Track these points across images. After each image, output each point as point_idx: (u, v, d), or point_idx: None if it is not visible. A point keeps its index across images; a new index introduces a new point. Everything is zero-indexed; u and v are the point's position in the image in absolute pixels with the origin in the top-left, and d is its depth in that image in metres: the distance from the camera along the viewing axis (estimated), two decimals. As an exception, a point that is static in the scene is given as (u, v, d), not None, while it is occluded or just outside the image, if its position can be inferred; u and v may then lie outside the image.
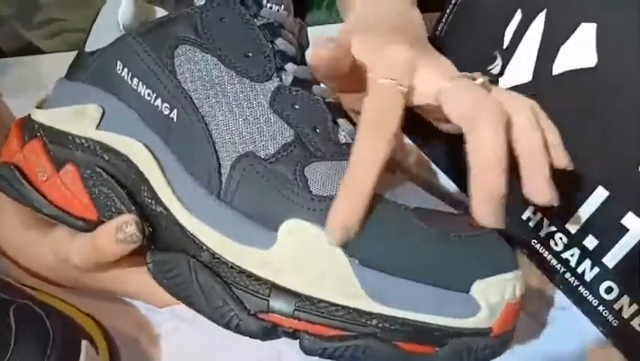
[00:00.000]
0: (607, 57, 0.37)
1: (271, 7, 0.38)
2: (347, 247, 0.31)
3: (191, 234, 0.33)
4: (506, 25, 0.43)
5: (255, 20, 0.37)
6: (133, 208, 0.36)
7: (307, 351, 0.31)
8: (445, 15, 0.49)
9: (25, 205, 0.40)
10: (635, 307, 0.39)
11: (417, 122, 0.40)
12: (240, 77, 0.35)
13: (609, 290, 0.41)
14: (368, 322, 0.30)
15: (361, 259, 0.31)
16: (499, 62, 0.43)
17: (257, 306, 0.31)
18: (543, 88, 0.41)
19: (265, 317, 0.31)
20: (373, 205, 0.32)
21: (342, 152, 0.34)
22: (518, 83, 0.42)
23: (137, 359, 0.40)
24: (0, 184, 0.41)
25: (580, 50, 0.38)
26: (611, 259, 0.40)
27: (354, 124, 0.36)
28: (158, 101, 0.36)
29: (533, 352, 0.41)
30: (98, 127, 0.38)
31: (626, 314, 0.40)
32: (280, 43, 0.36)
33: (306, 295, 0.31)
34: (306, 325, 0.31)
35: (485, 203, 0.32)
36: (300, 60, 0.38)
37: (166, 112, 0.36)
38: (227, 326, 0.31)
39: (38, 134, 0.41)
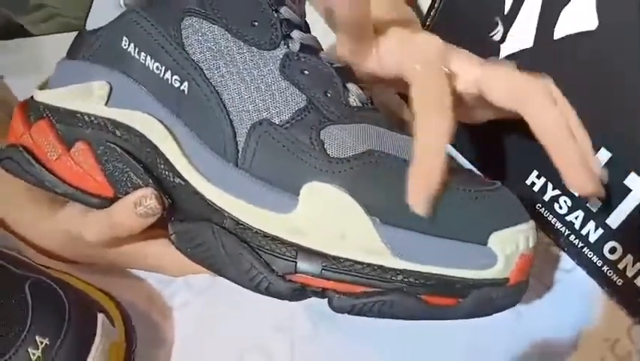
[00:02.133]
0: (607, 20, 0.38)
1: None
2: (367, 206, 0.31)
3: (212, 202, 0.34)
4: None
5: None
6: (150, 182, 0.36)
7: (336, 309, 0.31)
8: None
9: (36, 186, 0.40)
10: (639, 265, 0.41)
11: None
12: (248, 45, 0.36)
13: (613, 250, 0.42)
14: (393, 277, 0.31)
15: (382, 218, 0.31)
16: (500, 28, 0.43)
17: (285, 268, 0.32)
18: (544, 53, 0.41)
19: (293, 278, 0.32)
20: (392, 165, 0.32)
21: (353, 114, 0.35)
22: (519, 49, 0.42)
23: (150, 332, 0.41)
24: (9, 166, 0.41)
25: (580, 14, 0.39)
26: (614, 220, 0.41)
27: (362, 88, 0.37)
28: (168, 74, 0.36)
29: (539, 314, 0.43)
30: (106, 104, 0.38)
31: (630, 273, 0.41)
32: (285, 11, 0.37)
33: (331, 255, 0.31)
34: (334, 284, 0.31)
35: (580, 170, 0.34)
36: (305, 28, 0.39)
37: (176, 85, 0.36)
38: (256, 289, 0.32)
39: (45, 114, 0.41)
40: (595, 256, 0.43)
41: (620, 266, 0.42)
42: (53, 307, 0.34)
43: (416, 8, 0.52)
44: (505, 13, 0.43)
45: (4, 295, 0.35)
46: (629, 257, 0.41)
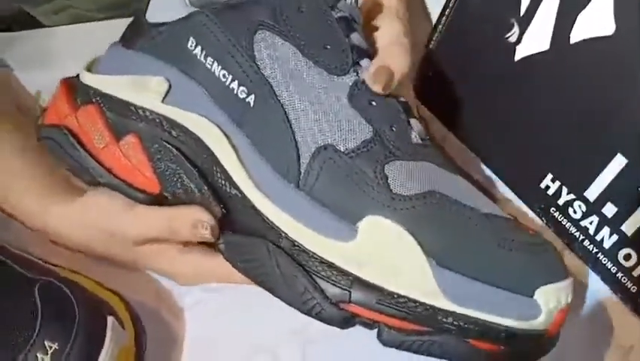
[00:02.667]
0: (625, 25, 0.37)
1: (347, 0, 0.38)
2: (426, 247, 0.32)
3: (270, 220, 0.34)
4: None
5: (333, 12, 0.37)
6: (205, 188, 0.36)
7: (385, 342, 0.32)
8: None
9: (76, 172, 0.40)
10: (653, 272, 0.40)
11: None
12: (319, 68, 0.36)
13: (628, 257, 0.41)
14: (444, 319, 0.32)
15: (438, 260, 0.32)
16: (516, 29, 0.42)
17: (339, 296, 0.33)
18: (560, 56, 0.40)
19: (346, 307, 0.33)
20: (452, 208, 0.33)
21: (416, 152, 0.36)
22: (535, 52, 0.42)
23: (160, 331, 0.41)
24: (52, 147, 0.40)
25: (597, 18, 0.38)
26: (629, 226, 0.40)
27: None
28: (234, 84, 0.36)
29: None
30: (163, 100, 0.38)
31: (645, 280, 0.41)
32: (355, 38, 0.37)
33: (387, 290, 0.32)
34: (386, 318, 0.32)
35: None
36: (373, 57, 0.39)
37: (242, 96, 0.36)
38: (308, 313, 0.33)
39: (94, 100, 0.40)
40: (609, 263, 0.42)
41: (635, 273, 0.41)
42: (63, 311, 0.34)
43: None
44: (522, 14, 0.42)
45: (13, 299, 0.34)
46: (644, 264, 0.40)
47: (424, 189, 0.34)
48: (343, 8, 0.38)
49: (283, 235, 0.34)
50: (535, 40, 0.42)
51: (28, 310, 0.33)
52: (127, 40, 0.41)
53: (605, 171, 0.40)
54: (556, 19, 0.41)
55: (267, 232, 0.34)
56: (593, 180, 0.41)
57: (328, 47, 0.36)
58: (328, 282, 0.33)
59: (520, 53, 0.43)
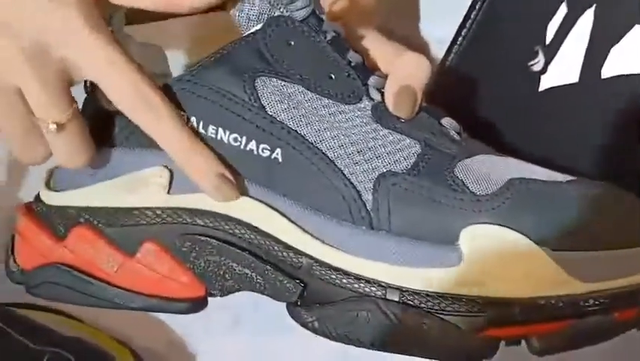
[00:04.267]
0: None
1: (322, 16, 0.34)
2: (533, 238, 0.30)
3: (362, 276, 0.30)
4: (549, 20, 0.41)
5: (322, 37, 0.33)
6: (268, 268, 0.32)
7: (540, 352, 0.30)
8: (480, 1, 0.44)
9: (102, 307, 0.34)
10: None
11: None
12: (332, 100, 0.32)
13: None
14: (585, 303, 0.30)
15: (552, 246, 0.30)
16: (541, 58, 0.41)
17: (475, 325, 0.29)
18: (591, 91, 0.39)
19: (487, 333, 0.29)
20: (533, 189, 0.31)
21: (467, 148, 0.33)
22: (563, 84, 0.40)
23: None
24: (54, 293, 0.34)
25: (633, 54, 0.37)
26: None
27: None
28: (252, 145, 0.32)
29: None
30: (169, 192, 0.33)
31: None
32: (352, 56, 0.34)
33: (523, 298, 0.29)
34: (531, 328, 0.30)
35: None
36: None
37: (265, 154, 0.32)
38: (457, 358, 0.29)
39: (82, 219, 0.34)
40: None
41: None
42: None
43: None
44: (547, 43, 0.41)
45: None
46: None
47: (502, 180, 0.31)
48: (328, 28, 0.34)
49: (384, 284, 0.30)
50: (563, 71, 0.40)
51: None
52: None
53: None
54: (587, 51, 0.39)
55: (363, 289, 0.30)
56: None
57: (332, 76, 0.33)
58: (459, 315, 0.29)
59: (546, 82, 0.41)
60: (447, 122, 0.34)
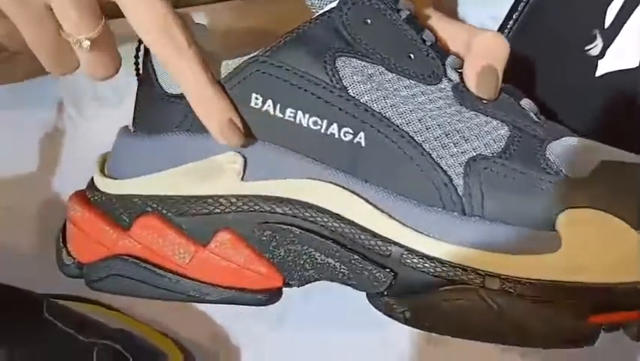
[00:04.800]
0: None
1: None
2: (632, 222, 0.29)
3: (457, 264, 0.29)
4: (609, 3, 0.39)
5: (398, 15, 0.32)
6: (355, 257, 0.30)
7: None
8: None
9: (174, 300, 0.32)
10: None
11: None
12: (413, 80, 0.31)
13: None
14: None
15: None
16: (599, 42, 0.39)
17: (578, 312, 0.29)
18: None
19: (589, 320, 0.29)
20: (621, 171, 0.30)
21: (551, 130, 0.32)
22: (622, 68, 0.39)
23: None
24: (123, 286, 0.32)
25: None
26: None
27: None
28: (334, 128, 0.30)
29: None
30: (243, 178, 0.31)
31: None
32: (427, 36, 0.32)
33: (622, 283, 0.29)
34: (632, 313, 0.29)
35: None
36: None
37: (347, 138, 0.30)
38: (563, 346, 0.29)
39: (149, 208, 0.32)
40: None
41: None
42: None
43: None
44: (606, 26, 0.40)
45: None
46: None
47: (595, 162, 0.30)
48: (403, 7, 0.32)
49: (482, 272, 0.29)
50: (622, 55, 0.38)
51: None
52: (149, 124, 0.33)
53: None
54: None
55: (459, 277, 0.29)
56: None
57: (411, 55, 0.31)
58: (561, 303, 0.29)
59: (604, 67, 0.39)
60: (526, 103, 0.33)
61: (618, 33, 0.39)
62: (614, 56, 0.39)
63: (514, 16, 0.42)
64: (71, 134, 0.44)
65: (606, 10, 0.40)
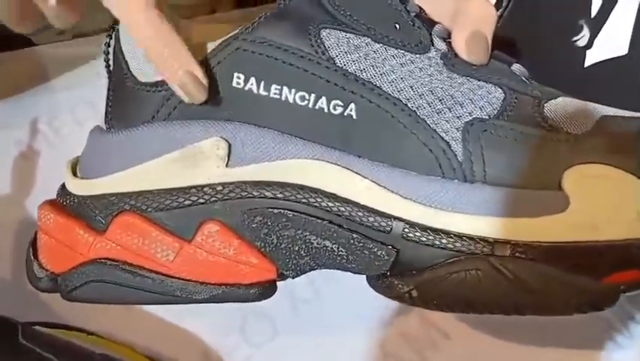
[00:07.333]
0: None
1: None
2: (636, 172, 0.28)
3: (463, 233, 0.27)
4: None
5: None
6: (355, 237, 0.28)
7: None
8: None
9: (161, 303, 0.29)
10: None
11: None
12: (400, 50, 0.30)
13: None
14: None
15: None
16: (586, 32, 0.38)
17: (597, 272, 0.27)
18: None
19: (609, 279, 0.27)
20: (618, 125, 0.29)
21: (544, 91, 0.31)
22: (611, 57, 0.38)
23: None
24: (102, 292, 0.30)
25: None
26: None
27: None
28: (322, 102, 0.29)
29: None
30: (228, 165, 0.29)
31: None
32: (411, 6, 0.31)
33: (638, 239, 0.27)
34: None
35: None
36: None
37: (337, 111, 0.29)
38: (578, 311, 0.27)
39: (127, 206, 0.30)
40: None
41: None
42: None
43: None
44: (593, 16, 0.39)
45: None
46: None
47: (594, 118, 0.29)
48: None
49: (491, 240, 0.27)
50: (610, 44, 0.38)
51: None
52: (120, 117, 0.31)
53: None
54: (636, 21, 0.37)
55: (466, 248, 0.27)
56: None
57: (397, 25, 0.30)
58: (579, 264, 0.27)
59: (592, 57, 0.39)
60: (517, 67, 0.32)
61: (605, 21, 0.39)
62: (603, 45, 0.39)
63: (498, 12, 0.41)
64: (46, 154, 0.42)
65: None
